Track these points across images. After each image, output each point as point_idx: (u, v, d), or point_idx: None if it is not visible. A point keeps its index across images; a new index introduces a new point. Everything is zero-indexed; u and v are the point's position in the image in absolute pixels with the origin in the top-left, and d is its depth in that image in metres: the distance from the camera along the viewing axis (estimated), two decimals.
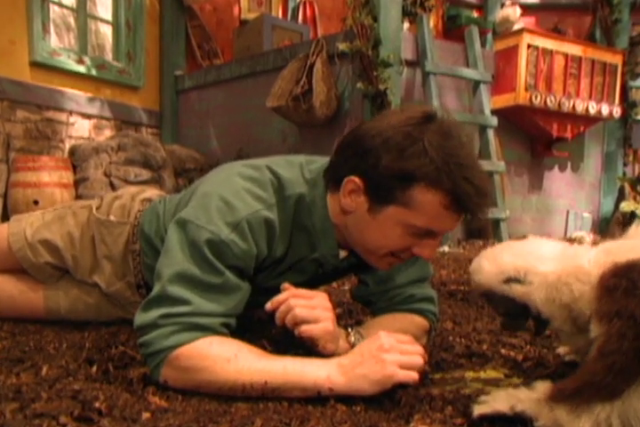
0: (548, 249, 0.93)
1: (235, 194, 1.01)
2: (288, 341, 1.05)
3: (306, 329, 0.98)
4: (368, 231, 1.03)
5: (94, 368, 1.07)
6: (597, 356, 0.76)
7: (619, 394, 0.74)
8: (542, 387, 0.83)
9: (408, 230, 0.99)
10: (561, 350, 1.14)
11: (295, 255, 1.11)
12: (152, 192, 1.46)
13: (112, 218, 1.34)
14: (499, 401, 0.84)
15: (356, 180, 1.00)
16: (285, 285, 1.03)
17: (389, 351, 0.89)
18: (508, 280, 0.91)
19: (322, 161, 1.15)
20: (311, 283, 1.23)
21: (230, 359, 0.91)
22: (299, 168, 1.11)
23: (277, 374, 0.90)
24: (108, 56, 4.30)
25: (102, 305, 1.37)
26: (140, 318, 0.96)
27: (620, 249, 0.85)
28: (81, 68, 3.99)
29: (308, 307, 0.98)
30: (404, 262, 1.11)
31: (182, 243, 0.98)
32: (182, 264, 0.96)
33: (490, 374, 1.09)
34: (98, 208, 1.38)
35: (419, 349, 0.94)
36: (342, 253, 1.15)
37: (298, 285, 1.07)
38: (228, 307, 0.98)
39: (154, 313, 0.94)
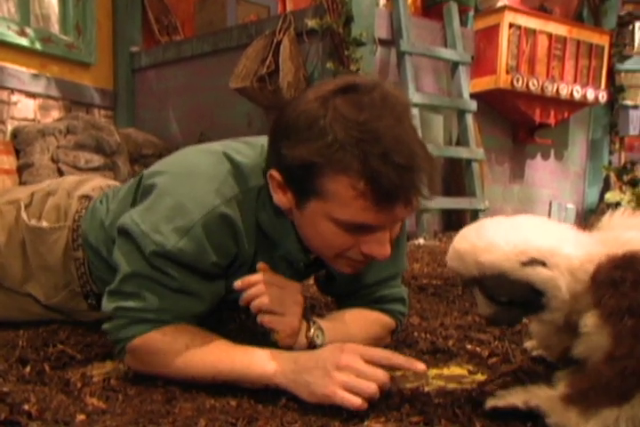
0: (562, 229, 0.87)
1: (188, 191, 0.98)
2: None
3: (269, 320, 0.99)
4: (305, 230, 0.99)
5: (28, 369, 1.06)
6: (607, 358, 0.76)
7: (628, 398, 0.75)
8: (563, 384, 0.84)
9: (338, 226, 0.92)
10: (528, 344, 1.18)
11: (263, 255, 1.09)
12: (91, 185, 1.36)
13: (44, 224, 1.25)
14: (514, 395, 0.86)
15: (275, 174, 0.95)
16: (262, 265, 1.03)
17: (342, 370, 0.87)
18: (532, 262, 0.81)
19: None
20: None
21: (181, 352, 0.96)
22: (260, 153, 1.05)
23: (224, 370, 0.94)
24: (55, 28, 4.20)
25: (40, 312, 1.32)
26: (103, 304, 1.03)
27: (616, 241, 0.84)
28: (23, 41, 3.89)
29: (279, 297, 0.99)
30: (364, 264, 1.04)
31: (130, 252, 0.99)
32: (133, 266, 0.99)
33: (454, 370, 1.12)
34: (27, 206, 1.29)
35: (380, 374, 0.88)
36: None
37: None
38: (182, 308, 1.00)
39: (112, 304, 1.00)
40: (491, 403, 0.87)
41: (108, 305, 1.01)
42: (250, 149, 1.07)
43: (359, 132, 0.85)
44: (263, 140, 1.09)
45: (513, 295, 0.84)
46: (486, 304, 0.87)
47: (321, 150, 0.86)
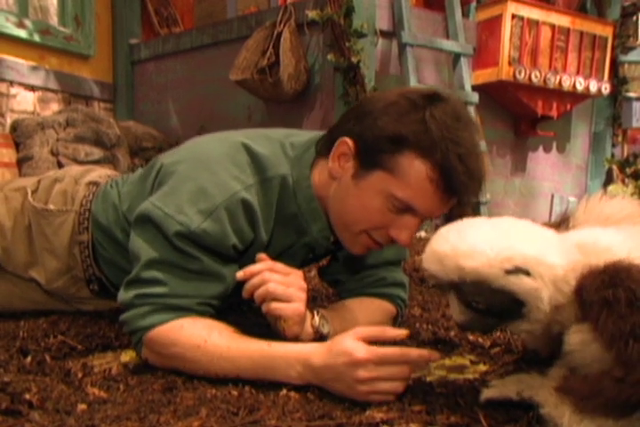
0: (544, 235, 0.83)
1: (210, 176, 1.02)
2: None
3: (276, 307, 0.99)
4: (348, 200, 1.04)
5: (28, 359, 1.07)
6: (613, 380, 0.74)
7: (628, 416, 0.75)
8: (556, 374, 0.83)
9: (388, 203, 1.00)
10: None
11: (280, 244, 1.12)
12: (98, 173, 1.39)
13: (51, 207, 1.27)
14: (508, 386, 0.86)
15: (349, 141, 1.03)
16: (262, 255, 1.04)
17: (366, 381, 0.87)
18: (516, 271, 0.77)
19: (305, 135, 1.15)
20: (299, 267, 1.23)
21: (200, 346, 0.96)
22: (279, 145, 1.11)
23: (247, 370, 0.94)
24: (53, 20, 4.18)
25: (41, 300, 1.33)
26: (121, 296, 1.03)
27: (595, 247, 0.81)
28: (22, 33, 3.87)
29: (283, 284, 0.99)
30: (379, 247, 1.10)
31: (151, 239, 1.01)
32: (156, 252, 1.00)
33: (455, 360, 1.12)
34: (34, 192, 1.31)
35: (400, 374, 0.89)
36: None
37: None
38: (207, 292, 1.01)
39: (131, 293, 1.00)
40: (485, 395, 0.87)
41: (126, 295, 1.01)
42: (268, 142, 1.11)
43: (447, 132, 0.98)
44: (279, 134, 1.14)
45: (492, 304, 0.80)
46: (461, 310, 0.83)
47: (415, 132, 0.98)
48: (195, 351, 0.95)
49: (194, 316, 0.99)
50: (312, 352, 0.92)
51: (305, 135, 1.15)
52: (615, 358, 0.74)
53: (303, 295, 1.01)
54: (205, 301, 1.01)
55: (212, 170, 1.03)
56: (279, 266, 1.02)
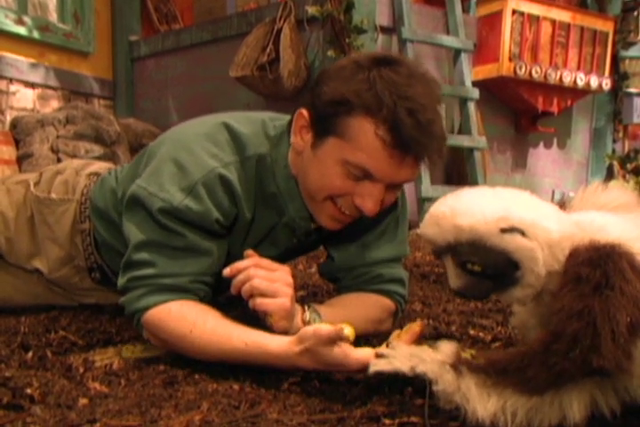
0: (544, 205, 0.84)
1: (188, 156, 1.05)
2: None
3: (262, 302, 1.00)
4: (309, 171, 1.05)
5: (30, 354, 1.07)
6: (539, 349, 0.74)
7: (542, 392, 0.74)
8: (446, 348, 0.82)
9: (345, 169, 1.00)
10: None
11: (263, 224, 1.13)
12: (98, 165, 1.42)
13: (53, 195, 1.30)
14: (400, 359, 0.83)
15: (304, 112, 1.04)
16: (249, 251, 1.06)
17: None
18: (511, 230, 0.78)
19: (289, 118, 1.15)
20: (285, 256, 1.25)
21: (186, 335, 0.97)
22: (260, 125, 1.13)
23: (237, 360, 0.96)
24: (52, 17, 4.18)
25: (42, 294, 1.34)
26: (119, 281, 1.06)
27: (591, 225, 0.81)
28: (21, 30, 3.87)
29: (269, 279, 1.00)
30: (348, 219, 1.09)
31: (139, 221, 1.04)
32: (144, 233, 1.03)
33: None
34: (36, 184, 1.33)
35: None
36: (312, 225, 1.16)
37: (271, 259, 1.09)
38: (195, 268, 1.03)
39: (126, 276, 1.04)
40: (375, 368, 0.83)
41: (122, 279, 1.04)
42: (249, 122, 1.13)
43: (395, 89, 0.96)
44: (264, 116, 1.17)
45: (487, 264, 0.79)
46: (457, 275, 0.83)
47: (358, 92, 0.96)
48: (181, 340, 0.99)
49: (187, 298, 1.01)
50: (299, 353, 0.91)
51: (288, 118, 1.16)
52: (551, 328, 0.74)
53: (289, 291, 1.01)
54: (197, 278, 1.03)
55: (190, 149, 1.06)
56: (265, 262, 1.03)
